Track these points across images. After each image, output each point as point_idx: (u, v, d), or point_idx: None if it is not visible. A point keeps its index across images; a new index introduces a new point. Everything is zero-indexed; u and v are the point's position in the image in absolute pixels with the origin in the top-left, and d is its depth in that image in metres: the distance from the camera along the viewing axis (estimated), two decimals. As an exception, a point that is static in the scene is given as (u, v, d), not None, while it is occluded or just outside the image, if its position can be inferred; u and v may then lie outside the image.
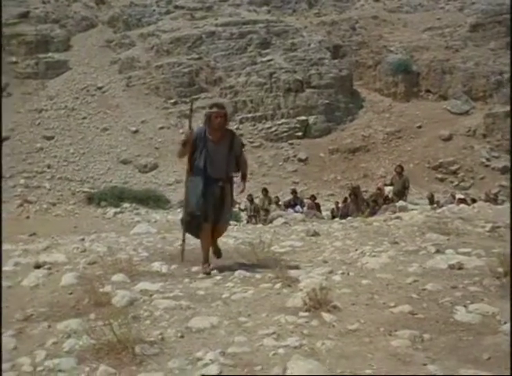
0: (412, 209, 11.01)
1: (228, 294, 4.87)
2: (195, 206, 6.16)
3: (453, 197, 20.33)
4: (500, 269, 5.29)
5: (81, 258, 6.65)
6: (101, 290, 4.77)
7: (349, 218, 12.60)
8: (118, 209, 28.72)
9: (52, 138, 37.61)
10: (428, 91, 45.61)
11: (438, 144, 40.86)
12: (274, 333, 3.85)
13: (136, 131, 38.84)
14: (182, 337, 3.85)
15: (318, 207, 17.94)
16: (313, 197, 18.91)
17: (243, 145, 6.74)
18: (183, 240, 6.52)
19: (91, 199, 30.75)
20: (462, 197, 19.37)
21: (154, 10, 49.47)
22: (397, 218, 9.35)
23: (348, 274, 5.52)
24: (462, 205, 12.82)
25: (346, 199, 17.56)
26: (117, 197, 30.34)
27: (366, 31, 50.04)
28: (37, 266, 6.06)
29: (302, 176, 37.48)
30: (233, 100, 40.48)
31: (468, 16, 49.91)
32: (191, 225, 6.25)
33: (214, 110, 6.26)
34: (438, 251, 6.40)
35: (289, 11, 52.85)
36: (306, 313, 4.26)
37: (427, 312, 4.33)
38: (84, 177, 34.92)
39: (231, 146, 6.35)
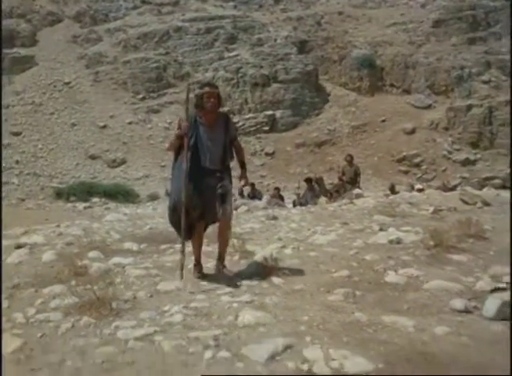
0: (367, 196, 11.81)
1: (191, 265, 5.55)
2: (176, 198, 5.32)
3: (412, 187, 21.22)
4: (431, 242, 6.06)
5: (59, 239, 7.23)
6: (79, 263, 5.38)
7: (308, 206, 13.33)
8: (88, 204, 28.95)
9: (20, 133, 37.57)
10: (392, 85, 46.49)
11: (401, 137, 41.78)
12: (230, 292, 4.56)
13: (104, 127, 39.02)
14: (151, 296, 4.54)
15: (281, 199, 18.62)
16: (277, 189, 19.60)
17: (236, 129, 5.91)
18: (182, 252, 5.31)
19: (60, 194, 30.86)
20: (420, 187, 20.22)
21: (121, 5, 49.56)
22: (351, 203, 10.14)
23: (299, 248, 6.24)
24: (415, 193, 13.67)
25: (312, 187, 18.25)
26: (86, 191, 30.52)
27: (332, 27, 50.80)
28: (19, 247, 6.61)
29: (269, 170, 38.14)
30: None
31: (431, 12, 50.90)
32: (173, 220, 5.42)
33: (206, 89, 5.38)
34: (381, 230, 7.15)
35: (255, 6, 53.38)
36: (258, 278, 4.97)
37: (362, 276, 5.07)
38: (52, 172, 35.01)
39: (226, 130, 5.52)
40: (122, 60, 43.50)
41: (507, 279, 4.88)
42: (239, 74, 42.89)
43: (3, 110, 38.10)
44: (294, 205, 16.41)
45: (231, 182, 5.56)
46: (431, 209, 8.66)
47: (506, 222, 7.89)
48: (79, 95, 41.51)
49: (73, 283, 4.79)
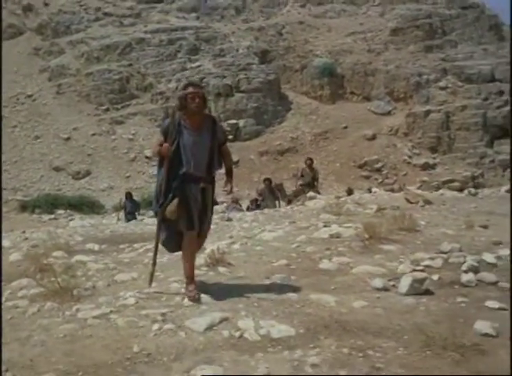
0: (319, 198, 12.47)
1: (148, 260, 6.11)
2: (155, 205, 5.03)
3: (370, 190, 22.01)
4: (366, 235, 6.72)
5: (25, 243, 7.72)
6: (44, 261, 5.89)
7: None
8: (53, 216, 29.10)
9: (-18, 147, 37.43)
10: (352, 93, 47.49)
11: (362, 143, 42.71)
12: (179, 280, 5.14)
13: (68, 139, 39.11)
14: (109, 285, 5.11)
15: (273, 192, 18.69)
16: (268, 180, 19.30)
17: (225, 133, 5.46)
18: (153, 262, 5.03)
19: (25, 207, 30.90)
20: (377, 190, 21.00)
21: (83, 17, 49.68)
22: (302, 205, 10.78)
23: (246, 244, 6.85)
24: (365, 194, 14.41)
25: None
26: (50, 203, 30.63)
27: (293, 36, 51.69)
28: (-14, 250, 7.06)
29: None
30: (164, 106, 41.32)
31: (389, 21, 52.07)
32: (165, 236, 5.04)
33: (190, 89, 4.97)
34: (325, 226, 7.80)
35: (217, 17, 54.05)
36: (206, 268, 5.57)
37: (299, 264, 5.70)
38: (16, 185, 34.99)
39: (213, 134, 5.07)
40: (85, 72, 43.64)
41: (425, 263, 5.57)
42: (203, 84, 43.39)
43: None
44: (248, 209, 16.67)
45: (214, 192, 5.28)
46: (375, 208, 9.35)
47: (438, 217, 8.64)
48: (42, 107, 41.53)
49: (38, 277, 5.30)
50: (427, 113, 42.32)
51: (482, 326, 3.78)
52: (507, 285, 4.83)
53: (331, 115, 45.53)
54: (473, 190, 12.84)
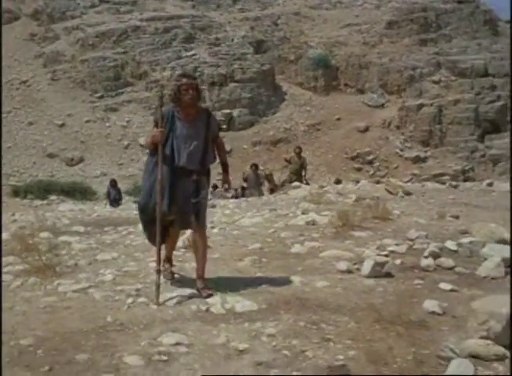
0: (302, 187, 12.78)
1: (129, 242, 6.43)
2: (143, 201, 4.92)
3: (358, 182, 22.34)
4: (339, 223, 7.05)
5: (13, 224, 8.01)
6: (30, 241, 6.18)
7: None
8: (45, 201, 29.29)
9: (-24, 132, 37.53)
10: (346, 85, 47.58)
11: (355, 135, 42.87)
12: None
13: (62, 125, 39.21)
14: (90, 264, 5.44)
15: (258, 177, 18.74)
16: (255, 166, 19.23)
17: (219, 126, 5.34)
18: (158, 268, 4.60)
19: (17, 192, 31.05)
20: (365, 181, 21.32)
21: (79, 4, 49.55)
22: (285, 194, 11.11)
23: (225, 229, 7.17)
24: (349, 185, 14.74)
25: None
26: (43, 189, 30.75)
27: (288, 27, 51.70)
28: (-26, 231, 7.34)
29: (226, 167, 38.84)
30: (159, 94, 41.32)
31: (384, 14, 52.05)
32: (142, 218, 5.01)
33: (184, 81, 4.83)
34: (303, 214, 8.12)
35: (213, 6, 53.98)
36: (184, 249, 5.89)
37: (272, 248, 6.03)
38: (9, 171, 35.11)
39: (207, 127, 4.92)
40: (80, 59, 43.64)
41: (391, 248, 5.90)
42: (197, 73, 43.41)
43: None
44: (232, 197, 16.84)
45: (208, 185, 5.19)
46: (354, 197, 9.68)
47: (414, 208, 8.98)
48: (36, 93, 41.58)
49: (23, 255, 5.60)
50: (420, 106, 42.44)
51: (430, 304, 4.11)
52: (464, 270, 5.17)
53: (325, 106, 45.66)
54: (454, 183, 13.17)
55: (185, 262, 5.55)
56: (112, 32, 45.51)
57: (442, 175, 37.36)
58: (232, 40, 46.95)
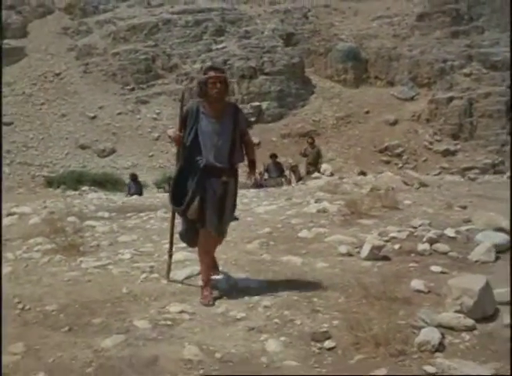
0: (321, 178, 13.11)
1: (150, 226, 6.90)
2: (170, 198, 4.60)
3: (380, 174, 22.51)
4: (348, 211, 7.41)
5: (44, 210, 8.59)
6: (58, 225, 6.72)
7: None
8: (77, 192, 30.08)
9: (11, 123, 38.58)
10: (376, 77, 47.48)
11: (384, 128, 42.83)
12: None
13: (94, 117, 40.11)
14: (111, 245, 5.94)
15: (280, 166, 18.91)
16: (275, 156, 19.40)
17: (247, 122, 5.32)
18: (169, 253, 4.81)
19: (51, 182, 31.86)
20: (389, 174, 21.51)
21: (111, -3, 50.55)
22: (303, 184, 11.47)
23: (239, 215, 7.57)
24: (369, 176, 15.02)
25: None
26: (75, 180, 31.58)
27: (318, 20, 51.80)
28: (9, 215, 7.94)
29: (255, 159, 39.28)
30: (189, 87, 42.03)
31: (415, 6, 51.75)
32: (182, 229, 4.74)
33: (211, 74, 4.55)
34: (316, 202, 8.50)
35: (243, -1, 54.43)
36: (197, 234, 6.33)
37: (281, 233, 6.44)
38: (43, 162, 36.09)
39: (235, 122, 4.65)
40: (112, 52, 44.52)
41: (392, 235, 6.24)
42: (227, 66, 43.88)
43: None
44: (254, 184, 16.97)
45: (237, 187, 4.90)
46: (369, 188, 10.00)
47: (426, 198, 9.27)
48: (69, 86, 42.55)
49: (52, 236, 6.12)
50: (450, 99, 42.18)
51: (416, 283, 4.48)
52: (457, 255, 5.50)
53: (354, 99, 45.68)
54: (472, 175, 13.36)
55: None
56: (143, 25, 46.28)
57: (471, 168, 37.16)
58: (262, 33, 47.27)
